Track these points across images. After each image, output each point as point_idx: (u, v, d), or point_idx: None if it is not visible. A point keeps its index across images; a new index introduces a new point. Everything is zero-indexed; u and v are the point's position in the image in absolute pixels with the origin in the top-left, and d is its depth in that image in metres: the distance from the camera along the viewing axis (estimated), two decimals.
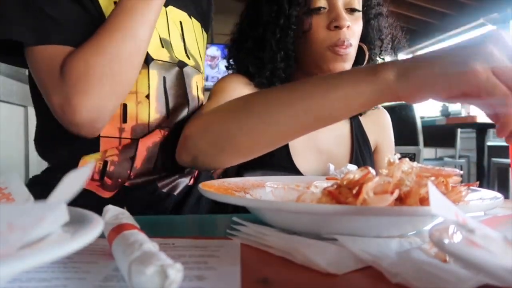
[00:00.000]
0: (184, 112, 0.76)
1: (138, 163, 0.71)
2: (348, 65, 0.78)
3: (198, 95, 0.81)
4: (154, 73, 0.71)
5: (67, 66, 0.59)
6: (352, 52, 0.78)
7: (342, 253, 0.35)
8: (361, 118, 0.93)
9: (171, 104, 0.74)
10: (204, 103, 0.82)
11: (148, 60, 0.70)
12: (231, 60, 0.89)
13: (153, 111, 0.71)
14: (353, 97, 0.49)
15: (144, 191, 0.73)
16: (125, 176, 0.71)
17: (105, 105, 0.61)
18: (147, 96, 0.70)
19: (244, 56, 0.83)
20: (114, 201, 0.70)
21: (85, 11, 0.64)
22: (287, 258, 0.35)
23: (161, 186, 0.75)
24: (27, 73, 0.72)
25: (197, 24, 0.84)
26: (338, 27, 0.75)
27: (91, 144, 0.68)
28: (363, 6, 0.82)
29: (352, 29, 0.77)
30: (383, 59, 0.89)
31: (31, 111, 2.06)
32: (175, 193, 0.77)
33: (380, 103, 0.51)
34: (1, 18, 0.60)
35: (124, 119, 0.69)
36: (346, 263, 0.33)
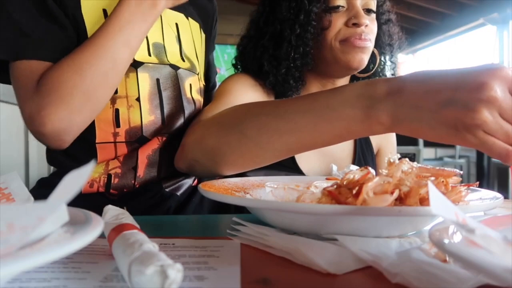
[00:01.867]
0: (181, 116, 0.77)
1: (141, 172, 0.72)
2: (366, 57, 0.77)
3: (193, 97, 0.80)
4: (146, 76, 0.71)
5: (41, 79, 0.61)
6: (370, 47, 0.78)
7: (342, 253, 0.35)
8: None
9: (165, 106, 0.74)
10: (207, 105, 0.82)
11: (136, 64, 0.70)
12: (239, 59, 0.89)
13: (146, 113, 0.72)
14: (343, 133, 0.48)
15: (150, 192, 0.74)
16: (130, 185, 0.72)
17: (74, 119, 0.62)
18: (138, 99, 0.71)
19: (259, 54, 0.82)
20: (120, 201, 0.71)
21: (61, 29, 0.65)
22: (287, 258, 0.35)
23: (165, 186, 0.76)
24: None
25: (194, 25, 0.84)
26: (356, 25, 0.76)
27: (88, 150, 0.69)
28: (376, 11, 0.82)
29: (370, 27, 0.77)
30: (393, 62, 0.89)
31: None
32: (178, 193, 0.78)
33: (365, 134, 0.49)
34: None
35: (117, 124, 0.70)
36: (346, 263, 0.33)
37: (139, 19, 0.64)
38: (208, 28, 0.90)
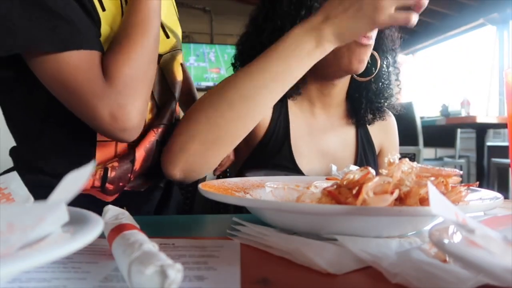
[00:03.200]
0: (173, 105, 0.77)
1: (137, 165, 0.72)
2: (366, 58, 0.77)
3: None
4: None
5: (112, 73, 0.58)
6: (371, 46, 0.77)
7: (342, 253, 0.35)
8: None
9: (158, 102, 0.74)
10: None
11: None
12: (238, 59, 0.89)
13: (148, 112, 0.72)
14: (308, 62, 0.63)
15: (142, 192, 0.75)
16: (126, 179, 0.71)
17: (146, 108, 0.63)
18: None
19: (256, 52, 0.81)
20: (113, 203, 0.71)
21: (88, 16, 0.61)
22: (287, 258, 0.35)
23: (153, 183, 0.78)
24: None
25: None
26: None
27: (86, 150, 0.68)
28: None
29: None
30: (396, 67, 0.89)
31: None
32: (162, 185, 0.80)
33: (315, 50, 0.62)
34: (16, 29, 0.54)
35: None
36: (346, 263, 0.33)
37: None
38: None
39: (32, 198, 0.42)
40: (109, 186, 0.70)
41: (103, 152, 0.69)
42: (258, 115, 0.64)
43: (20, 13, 0.54)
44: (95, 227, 0.26)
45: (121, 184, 0.71)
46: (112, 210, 0.38)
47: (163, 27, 0.75)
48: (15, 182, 0.43)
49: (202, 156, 0.63)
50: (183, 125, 0.64)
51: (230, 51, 5.01)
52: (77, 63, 0.56)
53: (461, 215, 0.28)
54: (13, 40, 0.54)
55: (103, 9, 0.63)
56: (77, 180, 0.27)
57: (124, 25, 0.63)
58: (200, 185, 0.50)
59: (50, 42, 0.55)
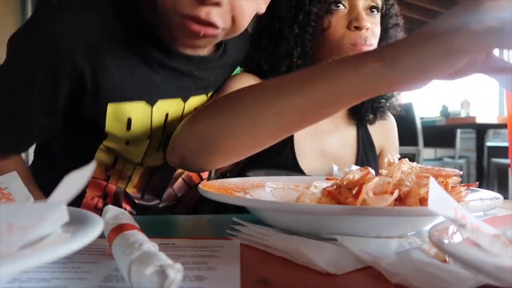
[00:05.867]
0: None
1: (132, 187, 0.75)
2: None
3: None
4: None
5: None
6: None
7: (342, 253, 0.35)
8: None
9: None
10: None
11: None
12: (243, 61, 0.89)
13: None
14: (340, 92, 0.45)
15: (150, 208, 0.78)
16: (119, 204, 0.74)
17: None
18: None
19: (258, 53, 0.82)
20: None
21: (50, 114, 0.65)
22: (287, 258, 0.35)
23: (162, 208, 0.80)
24: None
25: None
26: (358, 28, 0.75)
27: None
28: (383, 15, 0.81)
29: (372, 30, 0.77)
30: None
31: None
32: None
33: (371, 95, 0.46)
34: None
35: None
36: (346, 263, 0.33)
37: None
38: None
39: (32, 198, 0.42)
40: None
41: (93, 189, 0.73)
42: (265, 137, 0.52)
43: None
44: (95, 227, 0.26)
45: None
46: (112, 210, 0.38)
47: None
48: (15, 182, 0.43)
49: (199, 158, 0.57)
50: (188, 123, 0.58)
51: None
52: None
53: (461, 211, 0.28)
54: None
55: (128, 128, 0.67)
56: (77, 180, 0.27)
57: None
58: (200, 185, 0.50)
59: None
